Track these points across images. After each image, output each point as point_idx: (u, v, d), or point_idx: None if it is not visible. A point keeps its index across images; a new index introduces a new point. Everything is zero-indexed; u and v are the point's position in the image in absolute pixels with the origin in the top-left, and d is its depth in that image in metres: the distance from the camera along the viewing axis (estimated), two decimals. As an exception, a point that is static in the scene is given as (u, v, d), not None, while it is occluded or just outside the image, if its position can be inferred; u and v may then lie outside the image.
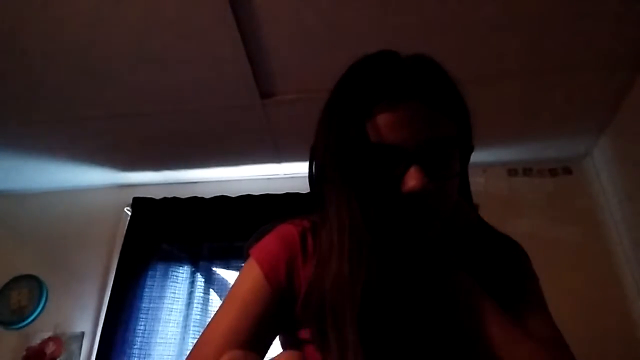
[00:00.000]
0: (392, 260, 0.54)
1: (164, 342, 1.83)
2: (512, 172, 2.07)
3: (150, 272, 1.96)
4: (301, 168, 2.05)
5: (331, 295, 0.52)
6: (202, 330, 0.59)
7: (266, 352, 0.58)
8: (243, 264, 0.64)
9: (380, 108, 0.54)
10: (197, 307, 1.88)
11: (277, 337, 0.63)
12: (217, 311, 0.60)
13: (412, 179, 0.52)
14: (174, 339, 1.84)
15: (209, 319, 0.58)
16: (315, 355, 0.54)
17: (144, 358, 1.79)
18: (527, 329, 0.57)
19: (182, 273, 1.99)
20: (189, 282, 1.95)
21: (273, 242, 0.63)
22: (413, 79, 0.56)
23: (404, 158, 0.53)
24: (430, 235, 0.57)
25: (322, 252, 0.57)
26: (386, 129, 0.54)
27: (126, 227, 2.08)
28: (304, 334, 0.57)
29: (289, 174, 2.18)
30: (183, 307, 1.90)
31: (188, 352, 0.57)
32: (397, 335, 0.52)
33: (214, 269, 1.99)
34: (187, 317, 1.87)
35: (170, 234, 2.04)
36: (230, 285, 0.63)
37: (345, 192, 0.56)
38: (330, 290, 0.52)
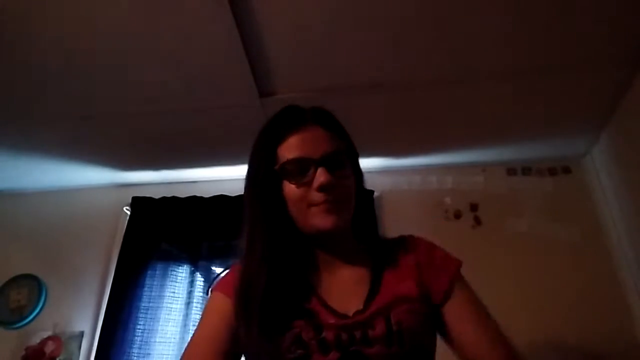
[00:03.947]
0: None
1: (163, 342, 1.83)
2: (511, 171, 2.07)
3: (149, 272, 1.96)
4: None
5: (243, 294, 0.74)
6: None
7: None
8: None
9: (290, 134, 0.76)
10: (196, 307, 1.88)
11: None
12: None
13: (321, 176, 0.72)
14: (174, 338, 1.84)
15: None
16: None
17: (144, 357, 1.79)
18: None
19: (182, 272, 1.99)
20: (189, 282, 1.95)
21: (225, 275, 0.86)
22: (312, 113, 0.80)
23: (312, 164, 0.73)
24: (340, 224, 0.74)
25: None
26: (296, 147, 0.75)
27: (125, 227, 2.08)
28: None
29: (288, 173, 2.17)
30: (182, 307, 1.90)
31: None
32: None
33: (213, 268, 1.99)
34: (186, 316, 1.87)
35: (170, 234, 2.04)
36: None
37: (259, 222, 0.81)
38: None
